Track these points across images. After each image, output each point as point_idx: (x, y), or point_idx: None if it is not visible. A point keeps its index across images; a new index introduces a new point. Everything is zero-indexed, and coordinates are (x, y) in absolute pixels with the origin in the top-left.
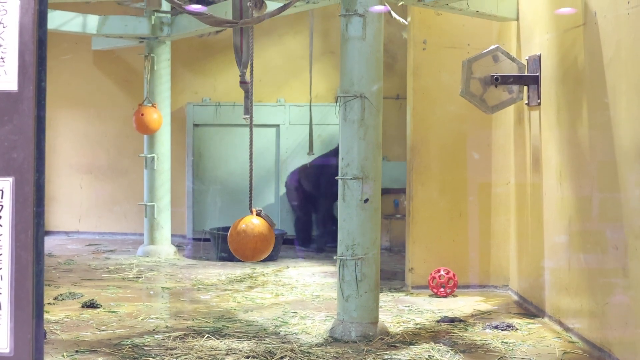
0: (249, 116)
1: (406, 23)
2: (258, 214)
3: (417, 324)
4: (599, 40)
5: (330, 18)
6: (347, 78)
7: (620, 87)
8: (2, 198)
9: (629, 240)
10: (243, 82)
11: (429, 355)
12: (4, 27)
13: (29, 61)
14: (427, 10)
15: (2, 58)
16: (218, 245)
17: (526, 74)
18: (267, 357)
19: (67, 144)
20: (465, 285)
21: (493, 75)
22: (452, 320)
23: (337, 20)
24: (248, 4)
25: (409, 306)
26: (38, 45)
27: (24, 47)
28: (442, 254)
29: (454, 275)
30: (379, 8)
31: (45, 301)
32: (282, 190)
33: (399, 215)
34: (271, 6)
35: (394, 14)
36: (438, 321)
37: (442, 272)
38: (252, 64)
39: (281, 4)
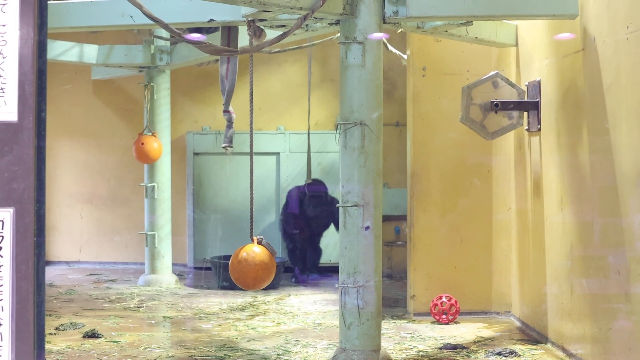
0: (227, 145)
1: (403, 56)
2: (259, 242)
3: (419, 351)
4: (598, 65)
5: (329, 45)
6: (347, 105)
7: (620, 111)
8: (2, 229)
9: (631, 265)
10: (226, 112)
11: None
12: (3, 58)
13: (29, 91)
14: (426, 37)
15: (2, 89)
16: (219, 274)
17: (526, 99)
18: None
19: (67, 174)
20: (468, 312)
21: (493, 101)
22: (454, 347)
23: (337, 47)
24: (247, 32)
25: (411, 333)
26: (38, 76)
27: (24, 78)
28: (443, 280)
29: (455, 301)
30: (378, 35)
31: (47, 331)
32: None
33: (400, 242)
34: (270, 34)
35: (390, 47)
36: (440, 348)
37: (444, 299)
38: (251, 92)
39: (280, 32)
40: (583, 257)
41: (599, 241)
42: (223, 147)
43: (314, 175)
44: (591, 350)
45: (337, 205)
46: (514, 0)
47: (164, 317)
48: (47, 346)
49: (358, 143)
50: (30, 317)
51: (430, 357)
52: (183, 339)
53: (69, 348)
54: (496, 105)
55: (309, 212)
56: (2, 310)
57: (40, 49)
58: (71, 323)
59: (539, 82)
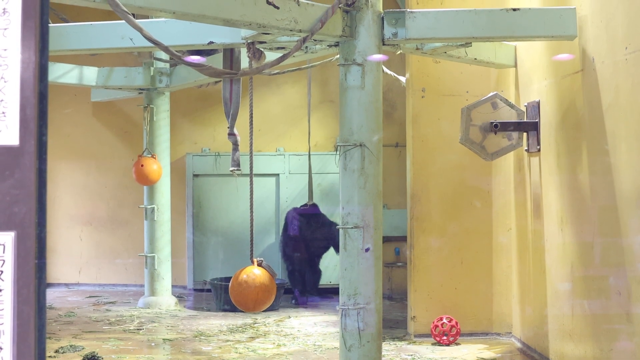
0: (235, 169)
1: (400, 78)
2: (259, 264)
3: None
4: (597, 86)
5: (329, 67)
6: (347, 127)
7: (620, 132)
8: (3, 253)
9: (632, 285)
10: (231, 135)
11: None
12: (5, 82)
13: (30, 115)
14: (426, 59)
15: (3, 113)
16: (220, 296)
17: (525, 120)
18: None
19: (67, 196)
20: (468, 333)
21: (492, 122)
22: None
23: (336, 69)
24: (247, 54)
25: (412, 355)
26: (39, 99)
27: (25, 102)
28: (444, 301)
29: (456, 323)
30: (378, 57)
31: (46, 354)
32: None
33: (400, 264)
34: (270, 56)
35: (386, 70)
36: None
37: (444, 320)
38: (251, 113)
39: (280, 54)
40: (584, 277)
41: (600, 262)
42: (231, 171)
43: (317, 198)
44: None
45: (337, 227)
46: (513, 22)
47: (163, 339)
48: None
49: (358, 165)
50: (32, 341)
51: None
52: None
53: None
54: (495, 126)
55: (307, 234)
56: (4, 334)
57: (42, 73)
58: (71, 346)
59: (538, 103)
